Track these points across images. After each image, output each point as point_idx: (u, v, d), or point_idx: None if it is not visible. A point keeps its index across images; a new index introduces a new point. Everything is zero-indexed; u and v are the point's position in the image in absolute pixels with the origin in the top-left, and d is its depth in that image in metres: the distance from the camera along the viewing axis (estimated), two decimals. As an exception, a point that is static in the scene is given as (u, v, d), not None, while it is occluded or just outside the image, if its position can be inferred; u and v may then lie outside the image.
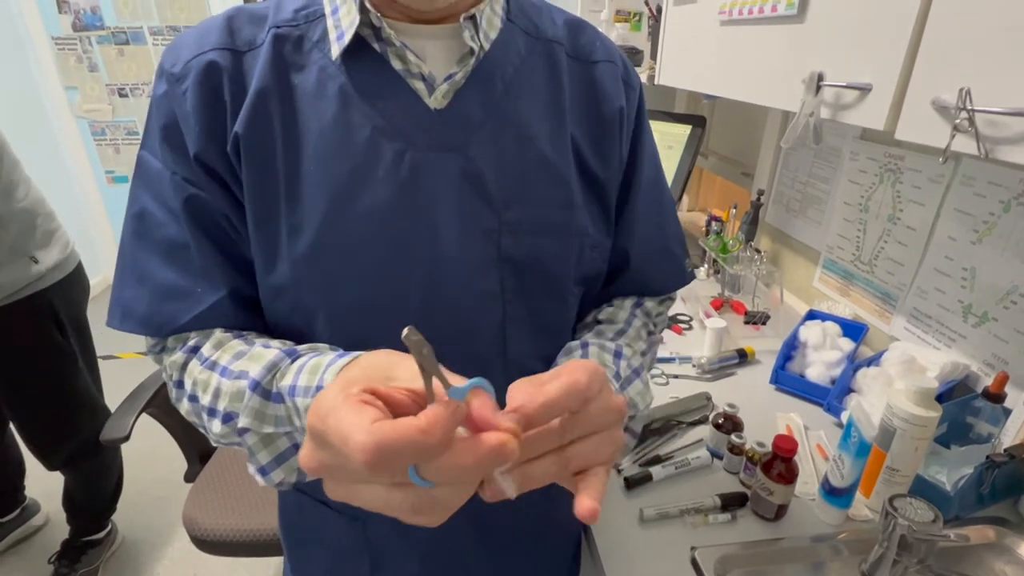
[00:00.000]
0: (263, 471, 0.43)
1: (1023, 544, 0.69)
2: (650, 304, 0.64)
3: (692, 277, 0.66)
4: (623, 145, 0.56)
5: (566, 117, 0.51)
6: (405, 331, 0.28)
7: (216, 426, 0.45)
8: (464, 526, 0.59)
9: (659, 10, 1.22)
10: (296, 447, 0.43)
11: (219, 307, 0.48)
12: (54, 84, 2.97)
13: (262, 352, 0.44)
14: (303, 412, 0.39)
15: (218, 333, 0.49)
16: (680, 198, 1.48)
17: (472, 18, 0.46)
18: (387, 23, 0.45)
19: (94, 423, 1.46)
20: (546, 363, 0.56)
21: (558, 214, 0.51)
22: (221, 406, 0.44)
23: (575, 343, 0.54)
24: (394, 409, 0.30)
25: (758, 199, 1.36)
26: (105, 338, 2.43)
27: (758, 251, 1.27)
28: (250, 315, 0.51)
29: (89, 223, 3.25)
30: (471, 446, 0.27)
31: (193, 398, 0.47)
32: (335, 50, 0.46)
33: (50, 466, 1.51)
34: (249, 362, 0.44)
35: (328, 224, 0.46)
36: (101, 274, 3.29)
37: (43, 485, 1.66)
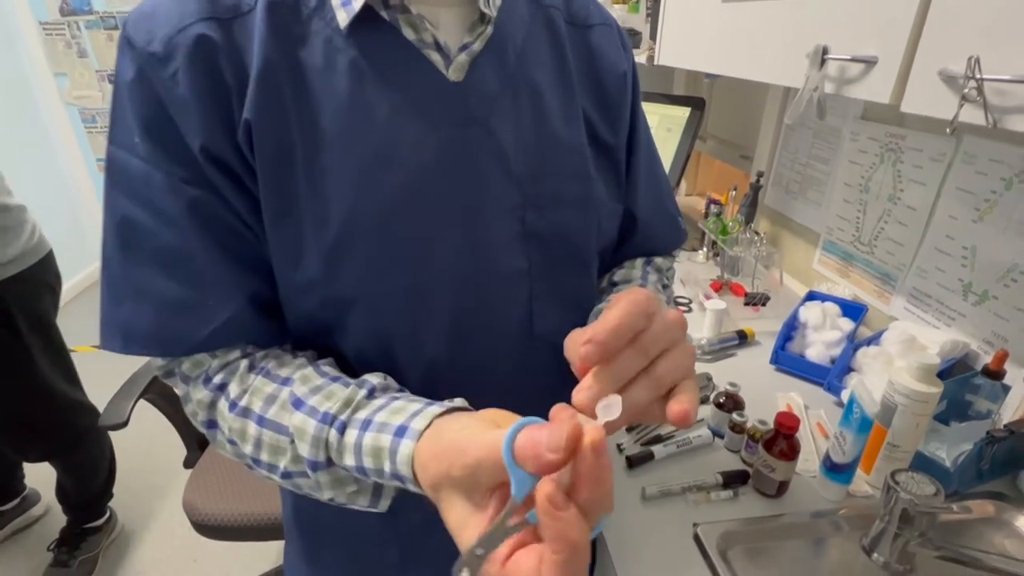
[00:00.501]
0: (373, 504, 0.45)
1: (1022, 518, 0.70)
2: (659, 260, 0.64)
3: (686, 235, 0.68)
4: (627, 110, 0.56)
5: (575, 87, 0.51)
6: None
7: (276, 479, 0.44)
8: None
9: (659, -11, 1.20)
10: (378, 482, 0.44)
11: (238, 319, 0.44)
12: (43, 70, 2.92)
13: (301, 425, 0.41)
14: (383, 479, 0.40)
15: (242, 369, 0.45)
16: (678, 182, 1.47)
17: None
18: None
19: (67, 419, 1.44)
20: None
21: (577, 186, 0.50)
22: (267, 458, 0.43)
23: (601, 305, 0.55)
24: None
25: (757, 181, 1.36)
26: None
27: (757, 233, 1.27)
28: (271, 322, 0.47)
29: (80, 211, 3.21)
30: (587, 481, 0.28)
31: (232, 442, 0.45)
32: (342, 18, 0.42)
33: (28, 460, 1.50)
34: (285, 414, 0.42)
35: (356, 212, 0.43)
36: (94, 263, 3.27)
37: (43, 474, 1.65)
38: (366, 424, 0.40)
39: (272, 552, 1.67)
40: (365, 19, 0.43)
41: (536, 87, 0.48)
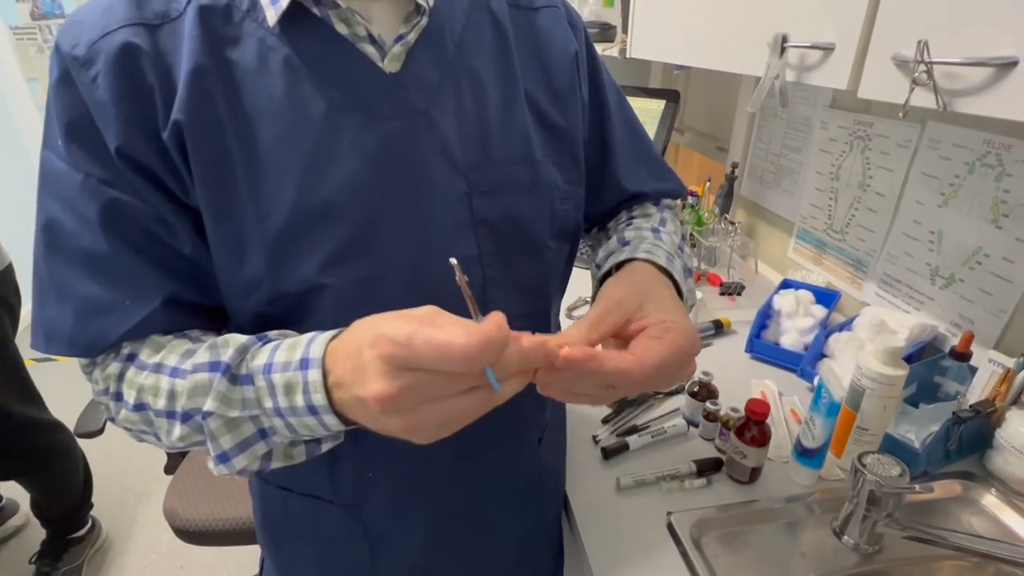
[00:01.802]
0: (224, 457, 0.41)
1: (988, 496, 0.71)
2: (667, 200, 0.68)
3: (684, 187, 0.71)
4: (582, 89, 0.56)
5: (517, 73, 0.51)
6: (453, 260, 0.36)
7: (177, 429, 0.42)
8: (463, 494, 0.59)
9: (629, -18, 1.20)
10: (262, 433, 0.41)
11: (152, 319, 0.44)
12: (14, 75, 2.87)
13: (229, 338, 0.42)
14: (279, 390, 0.38)
15: (155, 337, 0.45)
16: (656, 174, 1.48)
17: None
18: None
19: (26, 440, 1.41)
20: (530, 321, 0.56)
21: (522, 171, 0.51)
22: (179, 407, 0.42)
23: (614, 242, 0.58)
24: None
25: (732, 172, 1.37)
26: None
27: (732, 223, 1.28)
28: (189, 320, 0.47)
29: (59, 219, 3.16)
30: (527, 342, 0.36)
31: (140, 407, 0.43)
32: (271, 17, 0.42)
33: None
34: (209, 352, 0.41)
35: (298, 207, 0.43)
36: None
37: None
38: (288, 336, 0.42)
39: (259, 558, 1.66)
40: (296, 17, 0.43)
41: (476, 74, 0.49)
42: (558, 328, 0.67)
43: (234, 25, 0.43)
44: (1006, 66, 0.43)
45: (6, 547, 1.70)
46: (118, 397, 0.45)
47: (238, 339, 0.42)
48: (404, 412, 0.34)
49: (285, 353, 0.39)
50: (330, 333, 0.39)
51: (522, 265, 0.53)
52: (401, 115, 0.45)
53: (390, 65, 0.45)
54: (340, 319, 0.45)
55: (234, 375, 0.40)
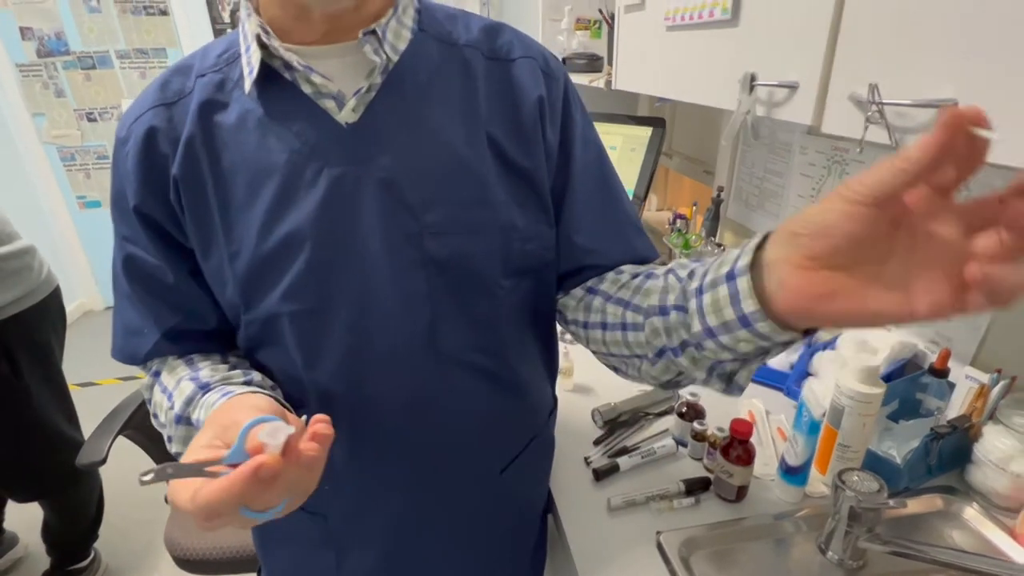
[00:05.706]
0: None
1: (969, 510, 0.73)
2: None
3: (657, 252, 0.65)
4: (547, 133, 0.56)
5: (481, 118, 0.53)
6: (141, 479, 0.35)
7: (171, 444, 0.54)
8: (421, 509, 0.63)
9: (613, 17, 1.26)
10: None
11: (161, 344, 0.56)
12: (20, 111, 2.94)
13: (183, 388, 0.52)
14: None
15: (171, 359, 0.58)
16: (646, 197, 1.51)
17: (373, 32, 0.49)
18: (289, 48, 0.48)
19: (62, 457, 1.42)
20: (484, 353, 0.58)
21: (476, 212, 0.53)
22: (168, 425, 0.53)
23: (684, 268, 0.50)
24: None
25: (718, 195, 1.41)
26: (85, 365, 2.40)
27: (719, 245, 1.31)
28: (193, 343, 0.58)
29: (61, 249, 3.20)
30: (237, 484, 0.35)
31: (155, 416, 0.57)
32: (247, 85, 0.50)
33: (18, 499, 1.48)
34: (178, 394, 0.52)
35: (260, 245, 0.50)
36: (76, 300, 3.25)
37: (23, 516, 1.63)
38: (217, 389, 0.51)
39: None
40: (269, 82, 0.50)
41: (436, 122, 0.52)
42: (543, 365, 0.69)
43: (225, 93, 0.51)
44: (947, 107, 0.47)
45: (6, 580, 1.69)
46: (150, 402, 0.59)
47: (185, 391, 0.52)
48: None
49: (203, 411, 0.49)
50: (219, 403, 0.47)
51: (472, 302, 0.55)
52: (350, 162, 0.50)
53: (347, 116, 0.50)
54: (301, 341, 0.53)
55: (188, 420, 0.51)
